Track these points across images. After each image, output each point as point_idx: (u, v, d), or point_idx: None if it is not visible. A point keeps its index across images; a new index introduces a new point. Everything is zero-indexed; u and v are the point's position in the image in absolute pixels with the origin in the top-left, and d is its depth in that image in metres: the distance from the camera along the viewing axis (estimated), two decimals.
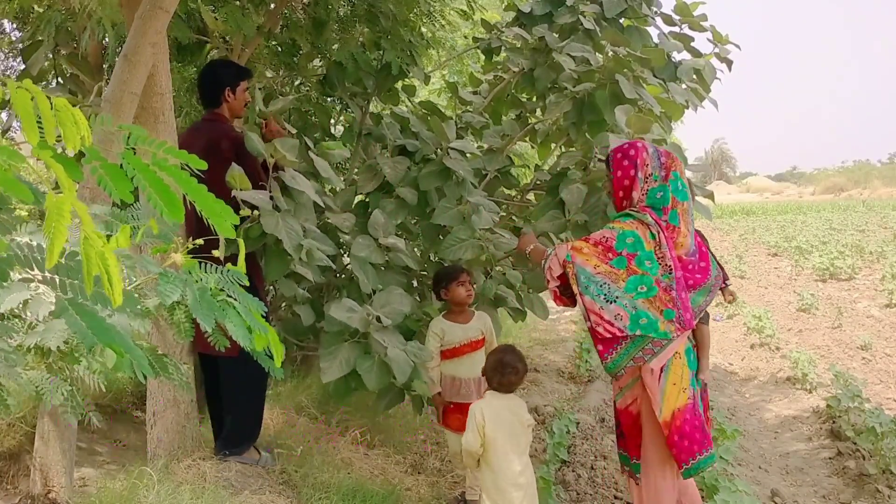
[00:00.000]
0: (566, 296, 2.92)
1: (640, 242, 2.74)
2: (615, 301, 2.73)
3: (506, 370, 2.81)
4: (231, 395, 3.17)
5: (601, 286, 2.76)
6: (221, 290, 1.26)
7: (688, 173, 3.73)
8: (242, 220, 2.95)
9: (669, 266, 2.73)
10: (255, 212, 2.96)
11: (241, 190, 2.92)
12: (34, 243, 1.11)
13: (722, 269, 3.10)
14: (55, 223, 0.84)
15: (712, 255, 3.04)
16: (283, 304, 3.99)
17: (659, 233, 2.75)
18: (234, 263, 1.44)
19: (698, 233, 3.06)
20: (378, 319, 3.15)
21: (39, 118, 0.89)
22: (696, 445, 2.72)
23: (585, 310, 2.78)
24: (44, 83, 4.32)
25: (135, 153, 1.06)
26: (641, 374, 2.78)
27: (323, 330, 3.41)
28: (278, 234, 2.98)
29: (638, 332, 2.71)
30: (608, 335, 2.75)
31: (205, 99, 3.29)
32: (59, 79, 4.44)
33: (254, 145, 3.06)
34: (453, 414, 3.37)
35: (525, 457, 2.82)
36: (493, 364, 2.87)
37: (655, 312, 2.72)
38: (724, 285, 3.20)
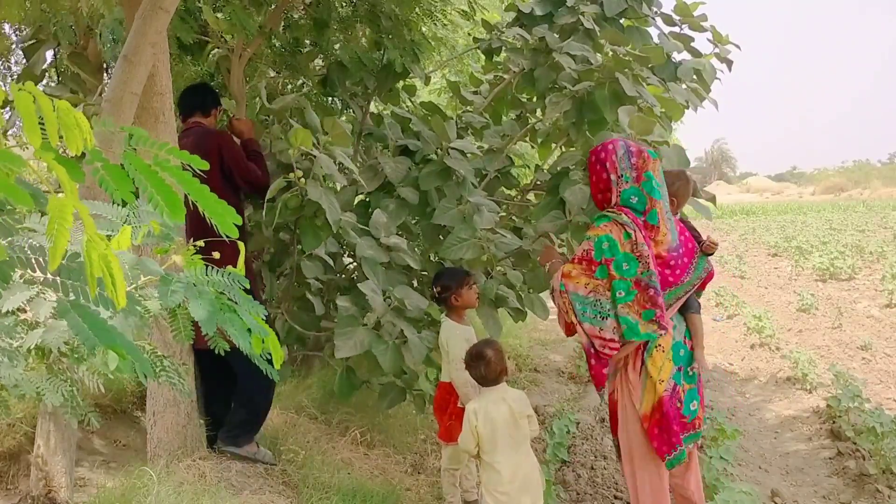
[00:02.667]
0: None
1: (615, 245, 2.74)
2: (609, 315, 2.75)
3: (476, 361, 2.83)
4: (245, 386, 3.18)
5: (594, 305, 2.76)
6: (222, 293, 1.26)
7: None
8: (282, 189, 3.07)
9: (648, 263, 2.74)
10: (301, 180, 3.08)
11: (301, 148, 3.11)
12: (36, 244, 1.10)
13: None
14: (58, 225, 0.84)
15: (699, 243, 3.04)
16: (285, 303, 4.00)
17: (635, 231, 2.76)
18: (234, 264, 1.43)
19: (685, 223, 3.08)
20: (398, 309, 3.23)
21: (41, 120, 0.89)
22: (675, 438, 2.79)
23: (588, 338, 2.77)
24: (43, 84, 4.32)
25: (135, 153, 1.06)
26: (626, 368, 2.86)
27: (324, 328, 3.44)
28: (322, 203, 3.07)
29: (631, 340, 2.75)
30: (615, 353, 2.77)
31: (195, 107, 3.34)
32: (60, 78, 4.45)
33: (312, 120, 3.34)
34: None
35: (523, 447, 2.80)
36: (466, 361, 2.90)
37: (635, 315, 2.72)
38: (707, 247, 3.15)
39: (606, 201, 2.91)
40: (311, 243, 3.29)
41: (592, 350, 2.77)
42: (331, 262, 3.36)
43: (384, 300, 3.30)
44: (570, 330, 2.87)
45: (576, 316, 2.78)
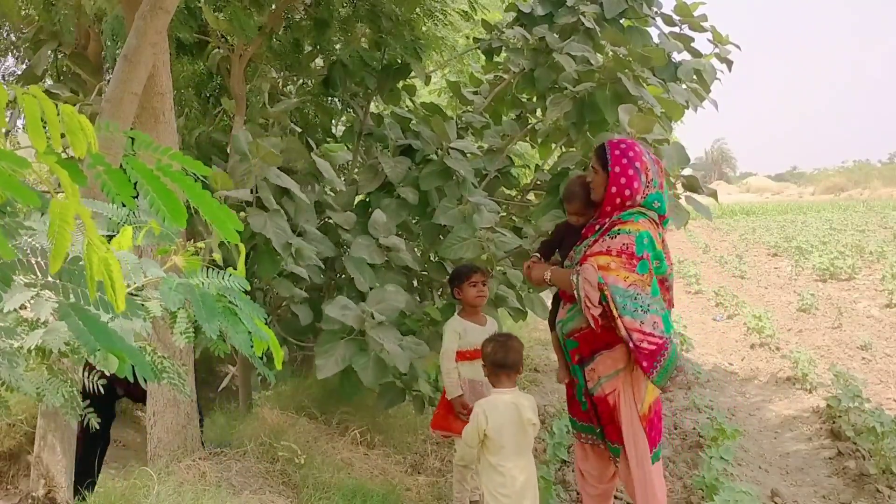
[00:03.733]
0: (604, 318, 2.76)
1: (652, 242, 2.74)
2: (649, 310, 2.69)
3: (491, 343, 2.85)
4: None
5: (635, 299, 2.69)
6: (223, 295, 1.26)
7: (688, 171, 3.75)
8: None
9: (671, 264, 2.84)
10: (242, 213, 3.01)
11: (223, 190, 2.97)
12: (37, 246, 1.10)
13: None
14: (59, 228, 0.84)
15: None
16: (282, 304, 4.00)
17: (662, 233, 2.85)
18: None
19: None
20: (372, 316, 3.18)
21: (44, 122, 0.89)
22: (658, 435, 2.89)
23: (627, 331, 2.68)
24: (44, 83, 4.32)
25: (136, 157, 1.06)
26: (630, 370, 2.82)
27: (322, 329, 3.42)
28: (266, 234, 3.03)
29: (671, 333, 2.73)
30: (652, 347, 2.67)
31: None
32: (60, 77, 4.44)
33: (240, 145, 3.13)
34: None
35: (527, 454, 2.82)
36: (483, 350, 2.90)
37: (661, 311, 2.77)
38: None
39: (624, 198, 2.82)
40: (269, 270, 3.22)
41: (632, 345, 2.69)
42: (305, 276, 3.29)
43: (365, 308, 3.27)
44: (596, 323, 2.77)
45: (616, 308, 2.69)
